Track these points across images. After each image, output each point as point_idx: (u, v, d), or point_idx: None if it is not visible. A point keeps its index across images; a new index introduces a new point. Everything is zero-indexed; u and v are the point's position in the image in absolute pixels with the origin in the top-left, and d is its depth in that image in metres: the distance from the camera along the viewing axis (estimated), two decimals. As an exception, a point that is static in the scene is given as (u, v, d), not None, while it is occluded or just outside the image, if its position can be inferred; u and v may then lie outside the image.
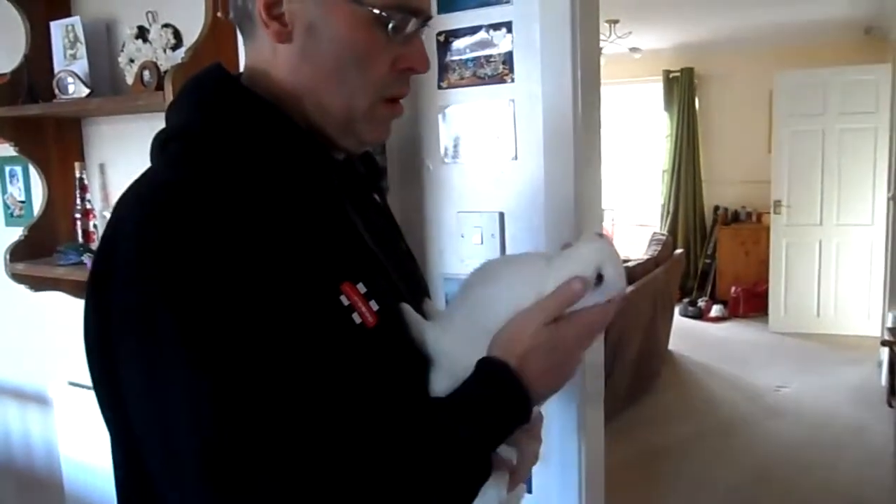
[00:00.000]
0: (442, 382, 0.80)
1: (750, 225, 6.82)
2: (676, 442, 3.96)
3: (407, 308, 0.82)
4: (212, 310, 0.63)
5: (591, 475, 1.55)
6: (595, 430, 1.59)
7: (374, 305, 0.75)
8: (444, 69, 1.52)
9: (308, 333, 0.68)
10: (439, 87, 1.54)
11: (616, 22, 5.35)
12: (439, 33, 1.50)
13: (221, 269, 0.64)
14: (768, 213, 6.11)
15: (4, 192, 2.46)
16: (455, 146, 1.54)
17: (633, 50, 6.07)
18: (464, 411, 0.73)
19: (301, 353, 0.66)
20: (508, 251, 1.51)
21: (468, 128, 1.52)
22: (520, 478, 0.87)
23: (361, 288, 0.74)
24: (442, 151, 1.56)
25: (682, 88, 7.04)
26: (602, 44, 5.69)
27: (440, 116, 1.55)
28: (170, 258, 0.64)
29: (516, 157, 1.48)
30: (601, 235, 0.81)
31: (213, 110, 0.78)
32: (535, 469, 1.55)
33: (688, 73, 7.00)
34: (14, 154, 2.16)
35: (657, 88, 7.21)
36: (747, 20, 5.53)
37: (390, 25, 0.76)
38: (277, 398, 0.63)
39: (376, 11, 0.75)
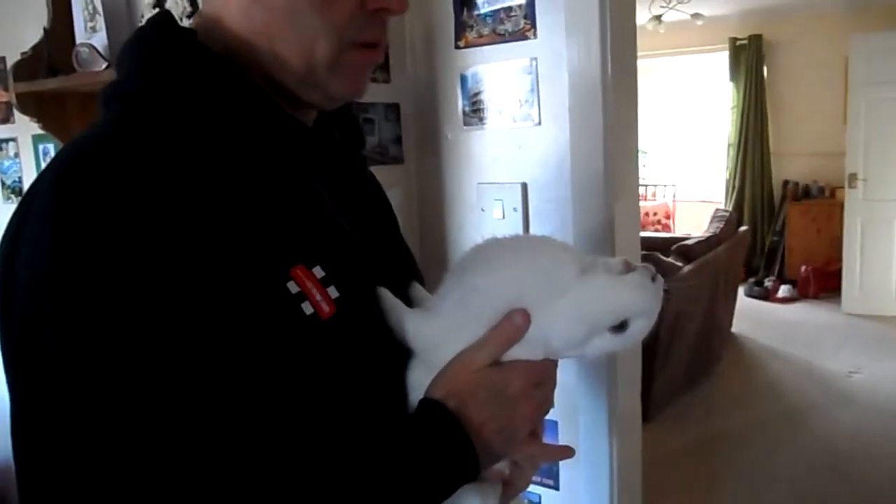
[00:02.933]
0: (421, 376, 0.68)
1: (822, 200, 6.45)
2: (738, 429, 3.75)
3: (384, 293, 0.71)
4: (99, 313, 0.53)
5: (626, 472, 1.42)
6: (630, 420, 1.45)
7: (334, 292, 0.64)
8: (460, 27, 1.39)
9: (233, 337, 0.57)
10: (456, 48, 1.41)
11: (676, -14, 5.07)
12: (454, -13, 1.37)
13: (126, 262, 0.54)
14: (842, 187, 5.75)
15: (39, 169, 2.45)
16: (474, 111, 1.42)
17: (696, 16, 5.75)
18: (397, 462, 0.63)
19: (216, 368, 0.56)
20: (532, 226, 1.38)
21: (488, 91, 1.39)
22: (516, 489, 0.75)
23: (319, 272, 0.63)
24: (460, 118, 1.44)
25: (749, 56, 6.67)
26: (661, 10, 5.42)
27: (458, 79, 1.42)
28: (70, 248, 0.54)
29: (539, 123, 1.34)
30: (654, 279, 0.68)
31: (153, 65, 0.67)
32: (562, 463, 1.44)
33: (756, 40, 6.62)
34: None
35: (722, 57, 6.85)
36: (821, -20, 5.16)
37: None
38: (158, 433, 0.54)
39: None
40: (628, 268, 0.68)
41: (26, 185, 2.50)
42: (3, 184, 2.58)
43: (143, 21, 1.90)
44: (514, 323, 0.65)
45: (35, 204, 0.59)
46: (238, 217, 0.60)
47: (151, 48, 0.68)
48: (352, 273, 0.67)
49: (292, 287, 0.61)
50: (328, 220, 0.69)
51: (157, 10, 1.89)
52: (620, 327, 0.66)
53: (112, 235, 0.54)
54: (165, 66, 0.66)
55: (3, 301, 0.60)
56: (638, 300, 0.66)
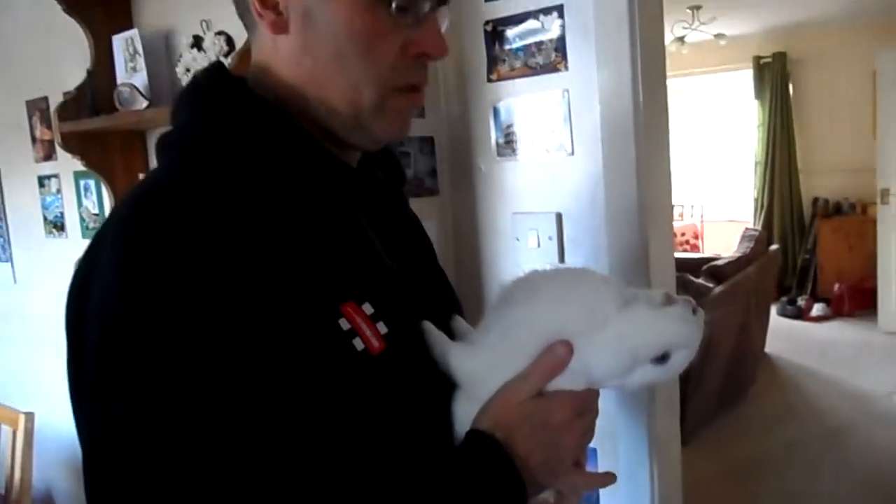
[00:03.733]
0: (466, 408, 0.70)
1: (854, 217, 6.37)
2: (775, 451, 3.68)
3: (429, 327, 0.72)
4: (168, 354, 0.56)
5: (667, 497, 1.41)
6: (670, 445, 1.45)
7: (383, 328, 0.66)
8: (492, 61, 1.42)
9: (291, 376, 0.59)
10: (488, 81, 1.44)
11: (699, 7, 5.07)
12: (486, 22, 1.41)
13: (190, 307, 0.57)
14: (874, 203, 5.66)
15: (80, 205, 2.52)
16: (507, 143, 1.44)
17: (719, 36, 5.76)
18: (448, 494, 0.64)
19: (276, 407, 0.58)
20: (567, 256, 1.40)
21: (521, 123, 1.42)
22: None
23: (368, 308, 0.65)
24: (494, 149, 1.46)
25: (773, 74, 6.64)
26: (684, 31, 5.44)
27: (491, 112, 1.45)
28: (137, 289, 0.57)
29: (573, 153, 1.36)
30: (696, 311, 0.69)
31: (207, 114, 0.71)
32: (603, 490, 1.44)
33: (780, 57, 6.60)
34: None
35: (747, 76, 6.83)
36: (844, -5, 5.15)
37: (394, 4, 0.67)
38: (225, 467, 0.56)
39: None
40: (670, 301, 0.69)
41: (68, 220, 2.57)
42: (46, 219, 2.66)
43: (181, 59, 1.96)
44: (557, 355, 0.67)
45: (102, 254, 0.62)
46: (291, 258, 0.63)
47: (204, 96, 0.72)
48: (399, 308, 0.69)
49: (343, 324, 0.63)
50: (375, 257, 0.71)
51: (194, 49, 1.95)
52: (662, 359, 0.67)
53: (176, 282, 0.57)
54: (219, 114, 0.70)
55: (74, 344, 0.63)
56: (680, 332, 0.68)
